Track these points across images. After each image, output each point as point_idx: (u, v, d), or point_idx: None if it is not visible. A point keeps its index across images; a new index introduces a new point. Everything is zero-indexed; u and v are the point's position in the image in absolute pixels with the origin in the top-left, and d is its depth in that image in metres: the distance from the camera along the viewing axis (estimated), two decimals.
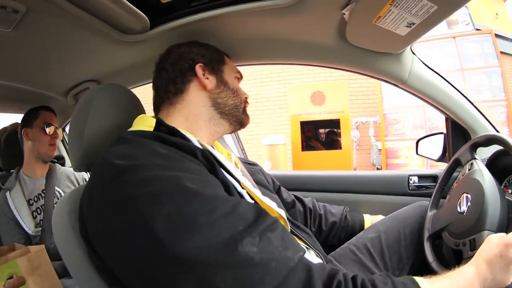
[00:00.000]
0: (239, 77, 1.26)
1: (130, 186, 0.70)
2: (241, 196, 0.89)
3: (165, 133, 0.89)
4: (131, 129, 0.96)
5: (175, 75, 1.10)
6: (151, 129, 0.92)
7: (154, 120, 0.97)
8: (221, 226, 0.65)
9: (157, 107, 1.13)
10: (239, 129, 1.23)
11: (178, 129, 0.92)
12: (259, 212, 0.74)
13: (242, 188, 0.91)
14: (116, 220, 0.70)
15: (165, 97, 1.10)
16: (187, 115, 1.07)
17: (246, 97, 1.21)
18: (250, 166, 1.40)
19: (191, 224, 0.64)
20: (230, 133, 1.25)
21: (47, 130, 1.93)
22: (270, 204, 0.97)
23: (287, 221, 1.04)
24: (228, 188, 0.85)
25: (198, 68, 1.10)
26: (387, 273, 0.88)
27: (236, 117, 1.15)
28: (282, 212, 1.03)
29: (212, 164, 0.85)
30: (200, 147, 0.90)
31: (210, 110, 1.10)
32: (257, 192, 0.95)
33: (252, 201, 0.90)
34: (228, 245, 0.64)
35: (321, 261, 1.11)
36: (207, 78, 1.11)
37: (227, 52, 1.28)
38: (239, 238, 0.65)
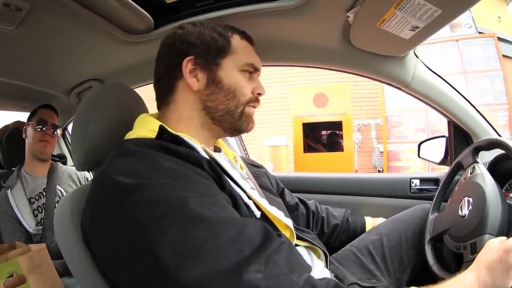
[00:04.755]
0: (250, 70, 1.03)
1: (134, 208, 0.69)
2: (247, 206, 0.87)
3: (168, 141, 0.86)
4: (132, 134, 0.93)
5: (164, 71, 1.00)
6: (154, 134, 0.88)
7: (156, 122, 0.93)
8: (226, 252, 0.64)
9: (157, 106, 1.06)
10: (238, 135, 1.13)
11: (182, 136, 0.88)
12: (266, 234, 0.72)
13: (249, 198, 0.88)
14: (120, 240, 0.70)
15: (158, 96, 1.04)
16: (179, 118, 0.99)
17: (256, 95, 1.04)
18: (255, 169, 1.35)
19: (196, 250, 0.63)
20: (227, 137, 1.15)
21: (38, 127, 1.93)
22: (277, 215, 0.95)
23: (293, 231, 1.02)
24: (236, 200, 0.83)
25: (186, 63, 0.96)
26: (389, 286, 0.88)
27: (230, 124, 1.01)
28: (289, 222, 1.02)
29: (219, 175, 0.84)
30: (206, 156, 0.87)
31: (201, 114, 0.99)
32: (263, 202, 0.93)
33: (259, 212, 0.88)
34: (233, 272, 0.62)
35: (323, 263, 1.11)
36: (195, 76, 0.97)
37: None
38: (245, 265, 0.63)
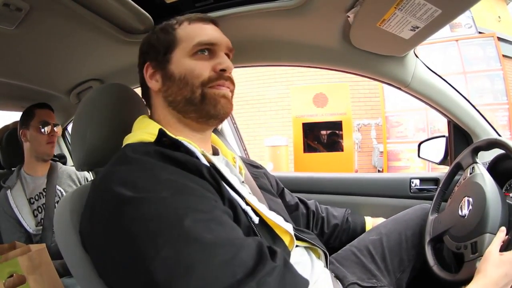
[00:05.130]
0: (204, 48, 0.98)
1: (130, 222, 0.68)
2: (245, 213, 0.85)
3: (168, 144, 0.86)
4: (132, 137, 0.93)
5: (140, 84, 1.06)
6: (153, 137, 0.88)
7: (156, 125, 0.93)
8: (219, 275, 0.62)
9: None
10: (216, 123, 1.04)
11: (182, 141, 0.87)
12: (260, 255, 0.69)
13: (247, 204, 0.87)
14: (115, 253, 0.70)
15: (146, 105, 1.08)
16: (158, 120, 1.00)
17: (211, 76, 0.96)
18: (254, 169, 1.34)
19: (188, 271, 0.62)
20: (206, 128, 1.05)
21: (44, 129, 1.92)
22: (276, 220, 0.94)
23: (293, 236, 1.01)
24: (236, 209, 0.82)
25: (145, 70, 1.00)
26: (389, 286, 0.88)
27: (195, 112, 0.96)
28: (289, 227, 1.00)
29: (218, 183, 0.82)
30: (205, 162, 0.86)
31: (169, 111, 0.99)
32: (262, 208, 0.92)
33: (257, 218, 0.86)
34: None
35: (323, 264, 1.11)
36: (155, 79, 0.99)
37: None
38: None
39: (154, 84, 0.99)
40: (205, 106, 0.95)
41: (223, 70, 0.97)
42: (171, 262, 0.63)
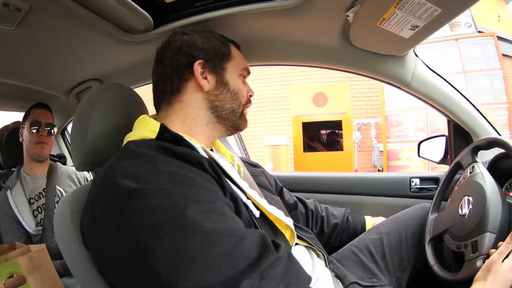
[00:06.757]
0: (245, 74, 1.14)
1: (132, 214, 0.68)
2: (246, 206, 0.86)
3: (169, 140, 0.87)
4: (132, 135, 0.93)
5: (172, 72, 1.02)
6: (154, 134, 0.88)
7: (156, 123, 0.93)
8: (221, 265, 0.62)
9: (156, 105, 1.09)
10: (235, 133, 1.17)
11: (183, 136, 0.88)
12: (264, 247, 0.69)
13: (248, 198, 0.88)
14: (117, 245, 0.69)
15: (162, 96, 1.05)
16: (184, 117, 1.02)
17: (249, 97, 1.13)
18: (252, 168, 1.36)
19: (190, 261, 0.62)
20: (226, 136, 1.18)
21: (33, 129, 1.91)
22: (277, 214, 0.95)
23: (294, 231, 1.02)
24: (237, 202, 0.83)
25: (197, 66, 1.01)
26: (389, 285, 0.88)
27: (232, 122, 1.08)
28: (289, 221, 1.01)
29: (219, 176, 0.83)
30: (206, 156, 0.87)
31: (207, 113, 1.04)
32: (262, 202, 0.93)
33: (258, 211, 0.87)
34: (226, 286, 0.60)
35: (323, 263, 1.11)
36: (206, 78, 1.02)
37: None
38: (239, 279, 0.60)
39: (205, 83, 1.02)
40: (240, 121, 1.10)
41: (250, 96, 1.14)
42: (173, 253, 0.63)
